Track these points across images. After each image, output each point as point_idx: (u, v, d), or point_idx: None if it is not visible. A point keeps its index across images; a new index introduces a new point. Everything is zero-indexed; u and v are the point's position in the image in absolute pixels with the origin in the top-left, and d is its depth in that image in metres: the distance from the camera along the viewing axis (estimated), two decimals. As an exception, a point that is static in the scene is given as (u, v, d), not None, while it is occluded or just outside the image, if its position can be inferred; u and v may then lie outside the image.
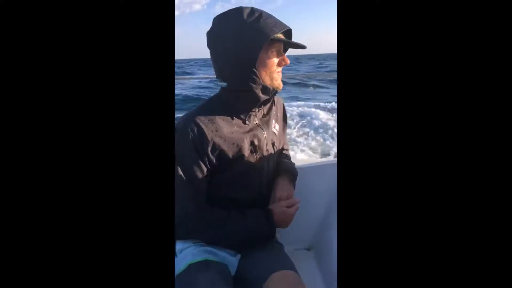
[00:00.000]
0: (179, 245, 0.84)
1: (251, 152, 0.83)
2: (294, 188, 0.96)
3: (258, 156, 0.85)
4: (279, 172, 0.96)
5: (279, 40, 0.77)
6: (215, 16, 0.78)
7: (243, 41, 0.72)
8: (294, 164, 1.03)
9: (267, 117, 0.90)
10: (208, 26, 0.83)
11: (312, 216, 1.29)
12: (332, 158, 1.39)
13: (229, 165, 0.81)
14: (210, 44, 0.78)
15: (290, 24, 0.77)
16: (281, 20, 0.76)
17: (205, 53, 0.81)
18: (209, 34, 0.78)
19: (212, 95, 0.87)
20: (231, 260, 0.85)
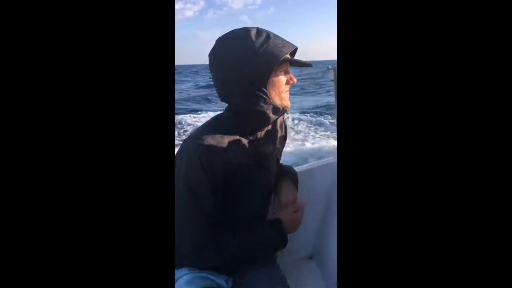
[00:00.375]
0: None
1: (257, 170, 0.82)
2: (297, 191, 0.95)
3: (263, 174, 0.85)
4: (281, 177, 0.95)
5: (287, 59, 0.76)
6: (219, 37, 0.76)
7: (254, 63, 0.71)
8: (291, 166, 1.02)
9: (272, 133, 0.89)
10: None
11: (311, 221, 1.28)
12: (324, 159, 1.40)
13: (236, 186, 0.80)
14: (214, 66, 0.76)
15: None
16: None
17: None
18: (214, 56, 0.76)
19: (217, 114, 0.86)
20: (225, 283, 0.84)
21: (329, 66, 1.59)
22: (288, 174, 0.96)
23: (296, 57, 0.83)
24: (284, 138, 0.96)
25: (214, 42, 0.77)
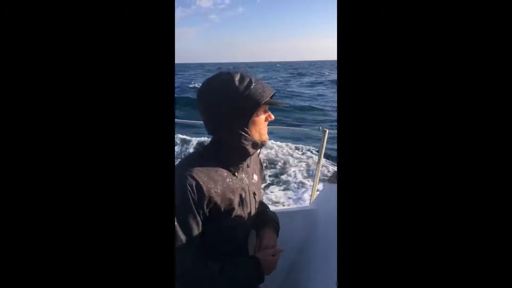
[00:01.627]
0: None
1: (239, 204, 0.90)
2: (277, 236, 1.04)
3: (244, 208, 0.93)
4: (265, 222, 1.05)
5: (266, 102, 0.86)
6: (207, 78, 0.85)
7: (237, 106, 0.82)
8: (275, 213, 1.12)
9: (249, 168, 0.99)
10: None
11: (282, 258, 1.32)
12: (306, 204, 1.54)
13: (220, 218, 0.86)
14: (202, 104, 0.85)
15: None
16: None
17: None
18: (201, 95, 0.85)
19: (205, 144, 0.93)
20: None
21: (321, 127, 1.81)
22: (272, 222, 1.06)
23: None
24: (261, 170, 1.08)
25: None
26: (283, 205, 4.40)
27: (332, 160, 5.07)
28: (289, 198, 4.82)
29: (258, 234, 1.02)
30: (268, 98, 0.87)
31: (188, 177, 0.80)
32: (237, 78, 0.83)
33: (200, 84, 0.87)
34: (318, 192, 1.55)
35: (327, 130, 1.83)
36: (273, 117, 0.90)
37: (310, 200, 1.69)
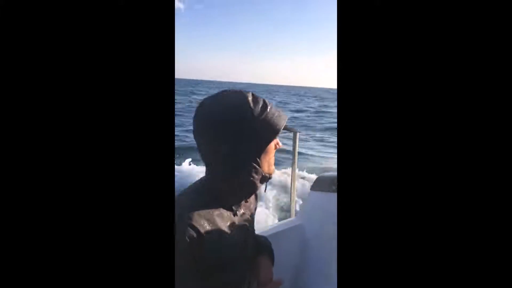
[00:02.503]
0: None
1: (240, 245, 0.80)
2: (273, 265, 0.92)
3: (244, 247, 0.83)
4: (259, 251, 0.92)
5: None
6: (207, 99, 0.71)
7: (253, 134, 0.68)
8: (266, 238, 1.01)
9: (249, 201, 0.86)
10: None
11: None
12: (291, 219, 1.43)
13: (220, 261, 0.75)
14: (203, 133, 0.70)
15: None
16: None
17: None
18: (203, 121, 0.70)
19: (201, 180, 0.80)
20: None
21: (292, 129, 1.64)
22: (264, 246, 0.94)
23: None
24: (257, 198, 0.95)
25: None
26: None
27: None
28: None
29: (252, 267, 0.90)
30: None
31: (188, 227, 0.67)
32: (250, 98, 0.69)
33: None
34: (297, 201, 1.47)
35: (298, 132, 1.62)
36: (281, 144, 0.77)
37: (291, 211, 1.55)
